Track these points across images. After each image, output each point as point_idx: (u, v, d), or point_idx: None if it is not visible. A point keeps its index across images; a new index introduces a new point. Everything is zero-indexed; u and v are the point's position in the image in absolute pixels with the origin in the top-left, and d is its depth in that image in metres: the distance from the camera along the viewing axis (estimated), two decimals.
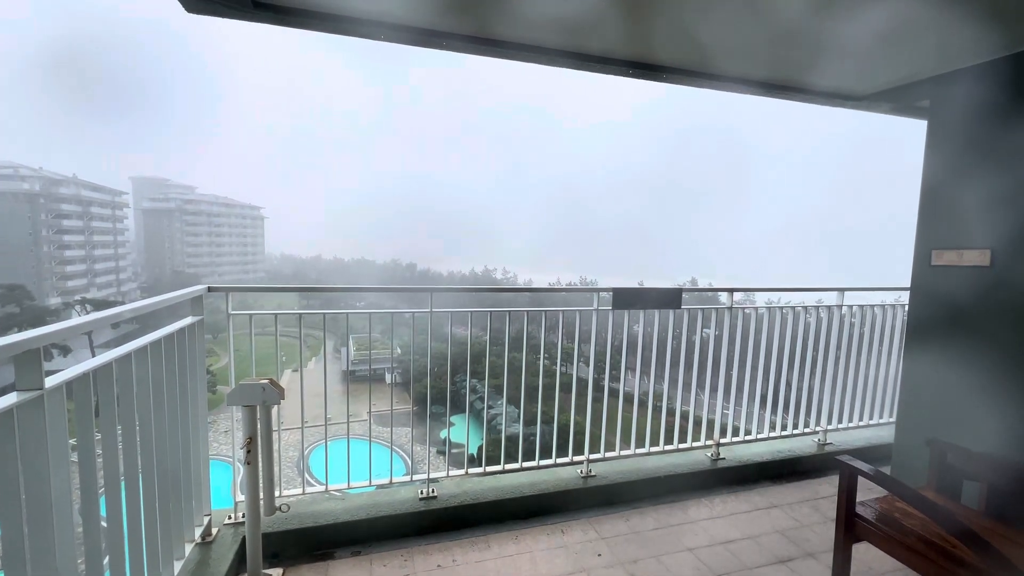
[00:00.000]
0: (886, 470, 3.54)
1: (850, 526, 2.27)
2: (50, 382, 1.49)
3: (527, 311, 3.61)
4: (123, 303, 2.35)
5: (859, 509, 2.30)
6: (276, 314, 3.16)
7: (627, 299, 3.75)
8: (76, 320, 1.67)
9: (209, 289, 2.86)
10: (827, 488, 3.75)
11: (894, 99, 3.86)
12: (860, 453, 4.29)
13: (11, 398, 1.38)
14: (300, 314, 3.24)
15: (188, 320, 2.74)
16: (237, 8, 2.56)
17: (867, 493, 2.56)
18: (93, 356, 1.85)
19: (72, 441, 1.60)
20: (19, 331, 1.43)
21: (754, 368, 4.20)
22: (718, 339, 4.10)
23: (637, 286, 3.87)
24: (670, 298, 3.90)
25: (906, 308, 3.92)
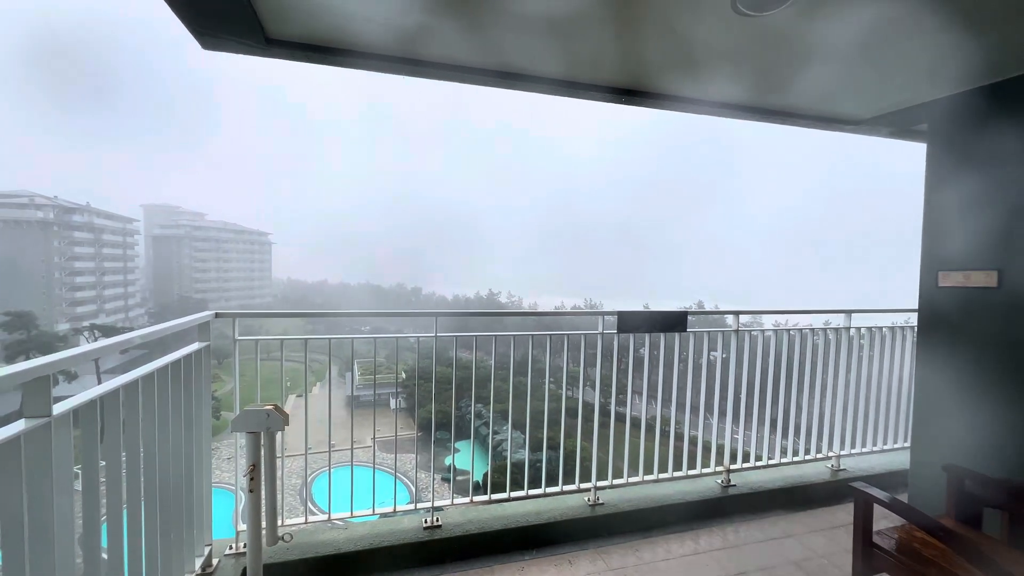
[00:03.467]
0: (903, 497, 3.44)
1: (867, 557, 2.21)
2: (58, 409, 1.50)
3: (532, 335, 3.61)
4: (131, 329, 2.37)
5: (876, 539, 2.25)
6: (282, 339, 3.16)
7: (632, 322, 3.77)
8: (85, 347, 1.68)
9: (216, 315, 2.89)
10: (842, 516, 3.66)
11: (892, 123, 3.92)
12: (875, 479, 4.19)
13: (19, 425, 1.38)
14: (305, 339, 3.25)
15: (195, 346, 2.74)
16: (251, 45, 2.67)
17: (884, 522, 2.49)
18: (100, 382, 1.86)
19: (76, 468, 1.60)
20: (27, 358, 1.44)
21: (763, 391, 4.17)
22: (726, 362, 4.05)
23: (642, 309, 3.88)
24: (676, 321, 3.89)
25: (915, 329, 3.86)
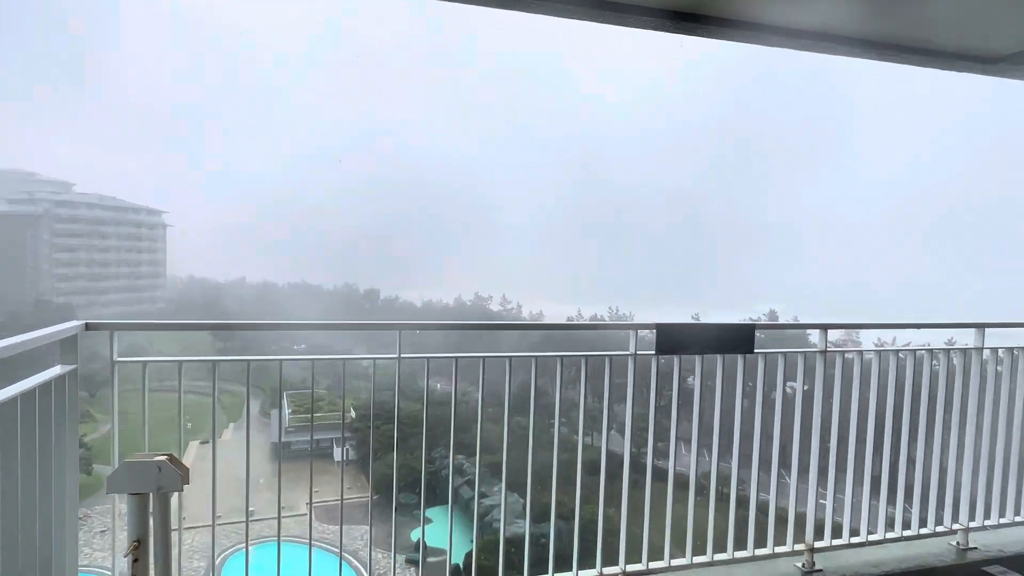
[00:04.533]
0: None
1: None
2: None
3: (536, 357, 3.68)
4: None
5: None
6: (180, 361, 3.16)
7: (677, 339, 3.81)
8: None
9: (87, 326, 2.87)
10: None
11: None
12: (1018, 563, 4.19)
13: None
14: (214, 362, 3.25)
15: (56, 371, 2.66)
16: None
17: None
18: None
19: None
20: None
21: (861, 438, 4.22)
22: (808, 396, 4.05)
23: (691, 321, 3.97)
24: (738, 338, 3.89)
25: None
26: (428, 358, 3.52)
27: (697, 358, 3.90)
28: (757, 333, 3.97)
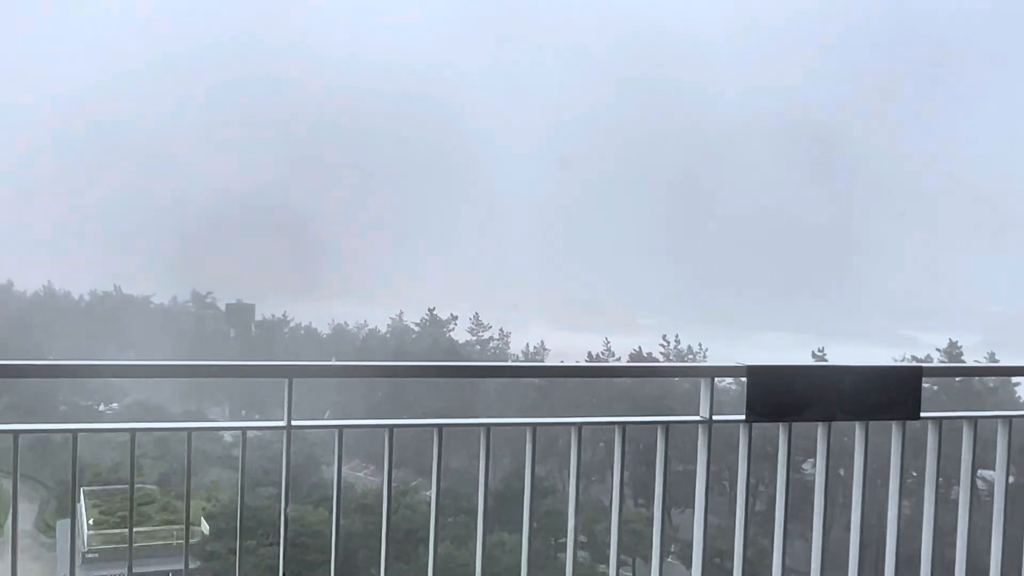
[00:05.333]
0: None
1: None
2: None
3: (533, 424, 3.33)
4: None
5: None
6: None
7: (784, 395, 3.56)
8: None
9: None
10: None
11: None
12: None
13: None
14: None
15: None
16: None
17: None
18: None
19: None
20: None
21: None
22: (1020, 491, 3.62)
23: (810, 363, 3.73)
24: (894, 392, 3.63)
25: None
26: (341, 427, 3.13)
27: (820, 428, 3.65)
28: (926, 382, 3.62)
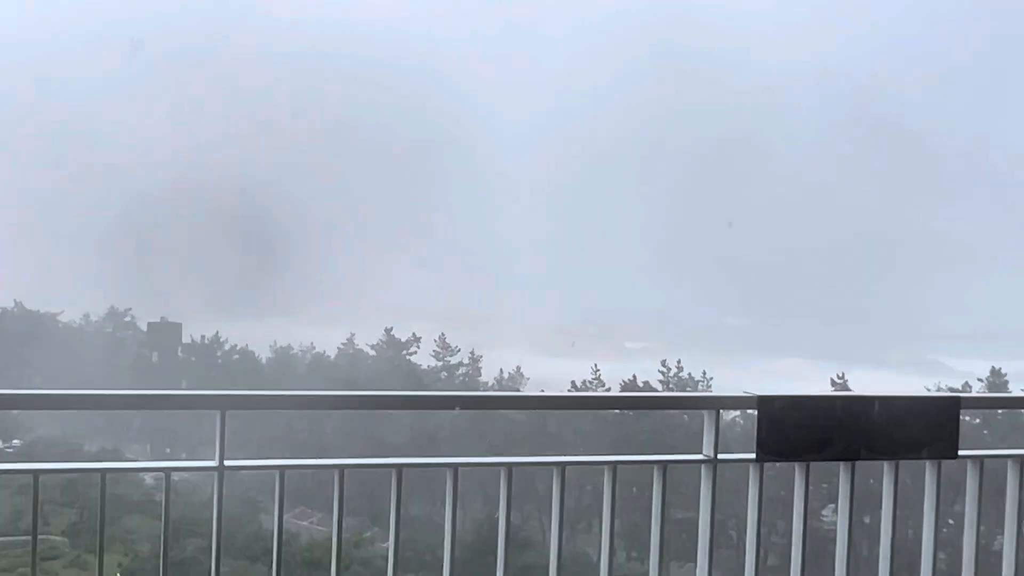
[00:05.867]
0: None
1: None
2: None
3: (508, 464, 3.40)
4: None
5: None
6: None
7: (799, 430, 3.57)
8: None
9: None
10: None
11: None
12: None
13: None
14: None
15: None
16: None
17: None
18: None
19: None
20: None
21: None
22: None
23: (828, 393, 4.15)
24: (927, 426, 3.65)
25: None
26: (282, 468, 3.16)
27: (842, 469, 3.68)
28: (965, 415, 3.65)
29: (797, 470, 3.61)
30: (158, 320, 57.46)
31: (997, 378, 36.72)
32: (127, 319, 58.46)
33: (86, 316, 59.51)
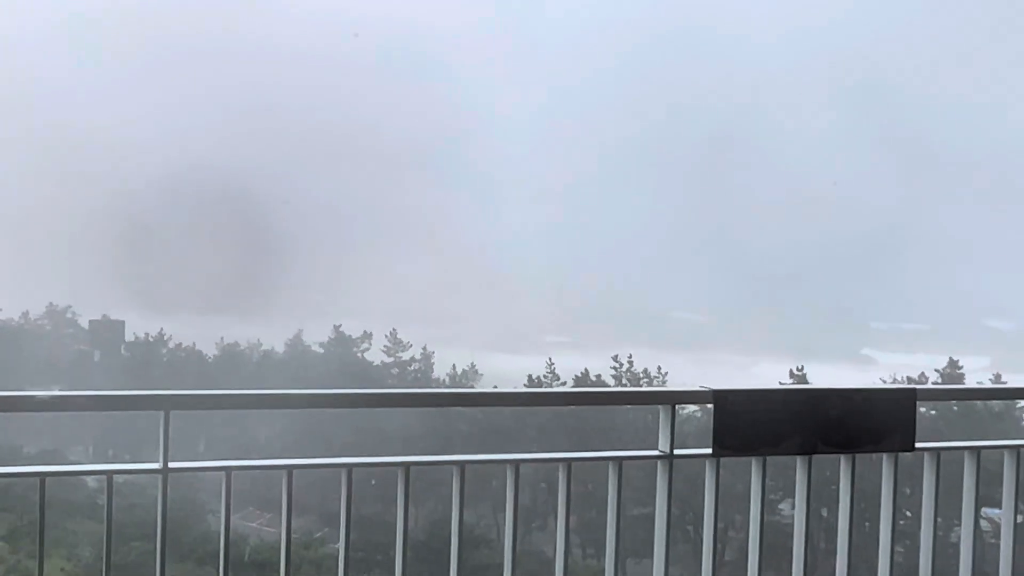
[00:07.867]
0: None
1: None
2: None
3: (462, 462, 3.44)
4: None
5: None
6: None
7: (755, 424, 3.57)
8: None
9: None
10: None
11: None
12: None
13: None
14: None
15: None
16: None
17: None
18: None
19: None
20: None
21: None
22: None
23: (786, 386, 3.99)
24: (883, 419, 3.68)
25: None
26: (229, 469, 3.16)
27: (799, 463, 3.72)
28: (921, 407, 3.77)
29: (754, 465, 3.62)
30: (99, 318, 56.09)
31: (954, 369, 37.28)
32: (67, 316, 57.05)
33: (25, 314, 57.75)
